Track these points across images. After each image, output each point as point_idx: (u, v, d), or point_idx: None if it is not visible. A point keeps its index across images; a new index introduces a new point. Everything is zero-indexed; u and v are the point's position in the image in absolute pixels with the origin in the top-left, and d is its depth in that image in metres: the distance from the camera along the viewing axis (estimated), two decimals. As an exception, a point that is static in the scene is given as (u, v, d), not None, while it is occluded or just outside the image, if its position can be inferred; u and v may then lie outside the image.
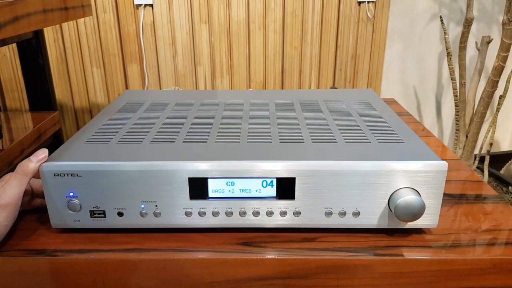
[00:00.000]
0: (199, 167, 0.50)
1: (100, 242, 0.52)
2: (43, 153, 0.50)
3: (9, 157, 0.83)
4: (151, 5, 1.58)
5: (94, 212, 0.52)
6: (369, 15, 1.56)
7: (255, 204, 0.51)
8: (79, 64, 1.66)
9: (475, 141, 1.55)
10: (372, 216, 0.51)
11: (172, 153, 0.53)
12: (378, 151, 0.53)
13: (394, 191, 0.50)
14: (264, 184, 0.50)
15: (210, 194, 0.51)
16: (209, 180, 0.50)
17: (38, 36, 1.04)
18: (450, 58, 1.39)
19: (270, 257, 0.49)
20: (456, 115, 1.51)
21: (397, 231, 0.53)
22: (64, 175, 0.50)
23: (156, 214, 0.52)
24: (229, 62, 1.65)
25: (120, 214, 0.52)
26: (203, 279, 0.50)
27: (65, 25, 1.57)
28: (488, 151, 1.48)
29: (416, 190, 0.49)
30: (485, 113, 1.48)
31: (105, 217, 0.52)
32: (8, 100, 1.71)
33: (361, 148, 0.53)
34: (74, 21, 1.57)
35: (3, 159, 0.79)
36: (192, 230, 0.53)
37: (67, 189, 0.50)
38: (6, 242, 0.52)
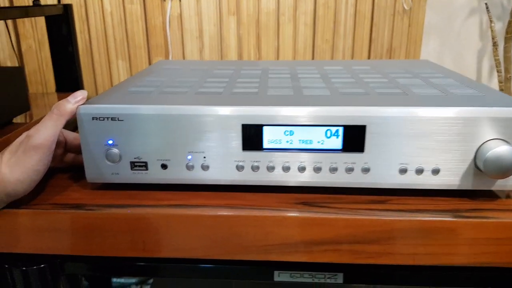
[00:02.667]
0: (254, 112, 0.44)
1: (141, 198, 0.46)
2: (81, 94, 0.45)
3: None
4: (180, -3, 1.54)
5: (135, 163, 0.46)
6: (405, 6, 1.50)
7: (316, 157, 0.45)
8: (105, 56, 1.63)
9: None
10: (455, 174, 0.44)
11: (222, 100, 0.47)
12: (460, 100, 0.46)
13: (483, 143, 0.43)
14: (328, 133, 0.44)
15: (265, 145, 0.45)
16: (264, 128, 0.44)
17: (68, 21, 1.00)
18: (496, 49, 1.31)
19: (335, 216, 0.43)
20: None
21: (482, 193, 0.46)
22: (103, 119, 0.44)
23: (204, 167, 0.45)
24: (257, 55, 1.61)
25: (164, 166, 0.46)
26: (256, 241, 0.44)
27: (91, 15, 1.54)
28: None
29: (508, 142, 0.42)
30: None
31: (147, 169, 0.46)
32: (32, 91, 1.68)
33: (439, 99, 0.46)
34: (101, 11, 1.55)
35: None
36: (243, 188, 0.47)
37: (106, 136, 0.45)
38: (35, 196, 0.47)
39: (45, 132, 0.42)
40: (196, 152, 0.45)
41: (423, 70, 0.64)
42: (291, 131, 0.44)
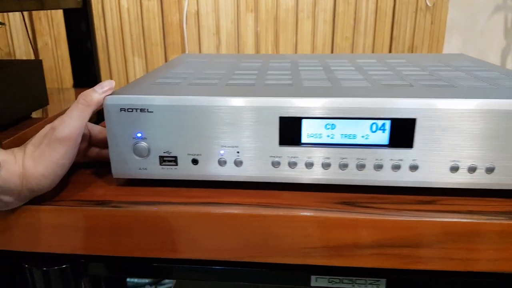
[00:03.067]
0: (293, 103, 0.40)
1: (170, 195, 0.43)
2: (108, 84, 0.42)
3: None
4: (197, -7, 1.52)
5: (165, 158, 0.43)
6: (428, 3, 1.46)
7: (360, 153, 0.41)
8: (121, 53, 1.61)
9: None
10: (510, 173, 0.40)
11: (256, 91, 0.44)
12: (515, 93, 0.42)
13: (544, 139, 0.39)
14: (374, 127, 0.41)
15: (304, 139, 0.41)
16: (303, 121, 0.41)
17: (87, 15, 0.98)
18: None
19: (379, 217, 0.39)
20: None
21: (539, 194, 0.42)
22: (132, 110, 0.41)
23: (237, 163, 0.42)
24: (275, 52, 1.58)
25: (195, 161, 0.43)
26: (294, 243, 0.40)
27: (108, 12, 1.53)
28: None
29: None
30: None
31: (176, 164, 0.43)
32: (48, 88, 1.67)
33: (491, 91, 0.43)
34: (118, 8, 1.53)
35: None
36: (279, 186, 0.44)
37: (134, 128, 0.42)
38: (58, 193, 0.44)
39: (71, 123, 0.39)
40: (229, 147, 0.42)
41: (462, 63, 0.60)
42: (332, 124, 0.41)
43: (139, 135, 0.42)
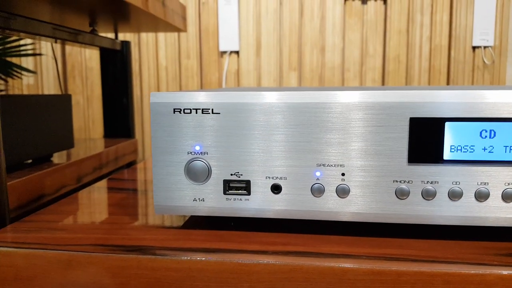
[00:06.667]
0: (429, 98, 0.27)
1: (238, 240, 0.29)
2: None
3: (78, 171, 0.64)
4: (237, 52, 1.47)
5: (231, 183, 0.29)
6: (486, 61, 1.35)
7: (536, 177, 0.27)
8: (156, 114, 1.54)
9: None
10: None
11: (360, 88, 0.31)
12: None
13: None
14: (558, 136, 0.26)
15: (447, 155, 0.27)
16: (447, 125, 0.27)
17: (125, 59, 0.91)
18: None
19: None
20: None
21: None
22: (190, 112, 0.29)
23: (340, 192, 0.28)
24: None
25: (277, 188, 0.29)
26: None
27: (145, 71, 1.48)
28: None
29: None
30: None
31: (248, 193, 0.29)
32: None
33: None
34: (155, 66, 1.48)
35: (69, 173, 0.60)
36: (408, 229, 0.29)
37: (191, 137, 0.29)
38: (76, 233, 0.30)
39: None
40: (330, 166, 0.28)
41: None
42: (491, 129, 0.27)
43: (197, 148, 0.29)
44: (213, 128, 0.29)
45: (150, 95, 0.29)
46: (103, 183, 0.49)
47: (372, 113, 0.27)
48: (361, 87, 0.33)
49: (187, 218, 0.33)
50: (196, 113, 0.29)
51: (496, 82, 1.42)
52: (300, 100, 0.28)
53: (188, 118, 0.29)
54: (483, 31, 1.34)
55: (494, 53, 1.37)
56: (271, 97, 0.28)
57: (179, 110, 0.29)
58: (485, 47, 1.36)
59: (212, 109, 0.28)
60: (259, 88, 0.38)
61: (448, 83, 1.41)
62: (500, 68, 1.40)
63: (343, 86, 0.30)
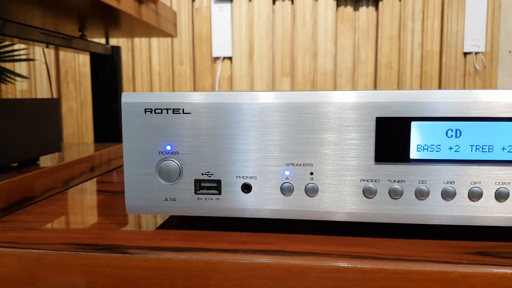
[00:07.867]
0: (396, 98, 0.27)
1: (208, 239, 0.29)
2: None
3: (64, 175, 0.64)
4: (230, 58, 1.48)
5: (202, 183, 0.29)
6: (477, 67, 1.36)
7: (501, 174, 0.27)
8: (149, 120, 1.54)
9: None
10: None
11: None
12: None
13: None
14: (522, 135, 0.27)
15: (413, 154, 0.28)
16: (413, 124, 0.27)
17: (115, 64, 0.91)
18: None
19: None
20: None
21: None
22: (161, 112, 0.29)
23: (309, 191, 0.28)
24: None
25: (247, 187, 0.29)
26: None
27: (138, 76, 1.49)
28: None
29: None
30: None
31: (219, 193, 0.29)
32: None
33: None
34: (149, 71, 1.49)
35: (55, 176, 0.60)
36: (374, 228, 0.29)
37: (162, 137, 0.29)
38: (46, 233, 0.30)
39: None
40: (298, 165, 0.29)
41: None
42: (457, 129, 0.27)
43: (168, 148, 0.29)
44: (184, 128, 0.29)
45: (122, 95, 0.29)
46: (87, 185, 0.49)
47: (340, 113, 0.28)
48: (332, 90, 0.34)
49: (166, 218, 0.34)
50: (167, 113, 0.29)
51: (488, 88, 1.43)
52: (268, 101, 0.28)
53: (159, 118, 0.29)
54: (474, 37, 1.36)
55: (485, 59, 1.38)
56: (241, 98, 0.28)
57: (150, 110, 0.29)
58: (476, 53, 1.37)
59: (183, 109, 0.29)
60: (234, 90, 0.39)
61: (439, 88, 1.42)
62: (492, 73, 1.41)
63: (314, 90, 0.31)
